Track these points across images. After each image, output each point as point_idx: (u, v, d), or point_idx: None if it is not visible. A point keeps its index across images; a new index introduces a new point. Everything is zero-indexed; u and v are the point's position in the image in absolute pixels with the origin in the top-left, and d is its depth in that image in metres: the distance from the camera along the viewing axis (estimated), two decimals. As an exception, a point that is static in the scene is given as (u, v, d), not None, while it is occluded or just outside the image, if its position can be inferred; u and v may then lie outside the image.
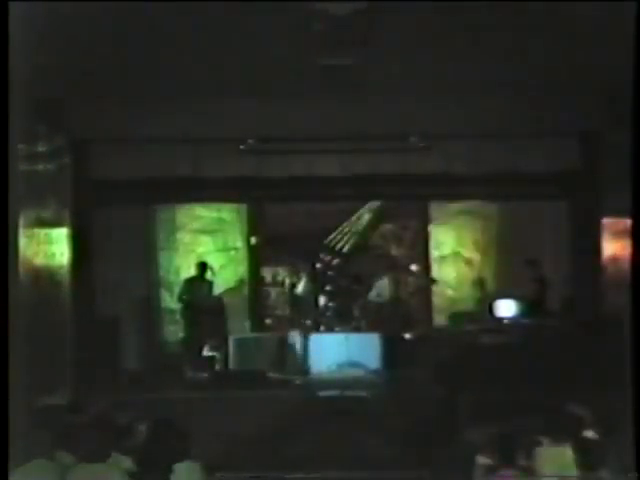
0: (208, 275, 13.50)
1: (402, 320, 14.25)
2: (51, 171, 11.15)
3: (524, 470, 5.99)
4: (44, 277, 10.97)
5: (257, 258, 15.26)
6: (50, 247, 11.11)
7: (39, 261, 10.93)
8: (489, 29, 8.46)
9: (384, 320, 13.93)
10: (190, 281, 13.50)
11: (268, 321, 14.69)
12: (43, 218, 10.98)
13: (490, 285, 14.21)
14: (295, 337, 13.73)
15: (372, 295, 14.34)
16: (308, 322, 14.61)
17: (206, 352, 13.05)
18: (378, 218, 15.83)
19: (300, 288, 14.69)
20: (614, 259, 11.25)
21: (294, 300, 14.76)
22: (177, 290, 13.88)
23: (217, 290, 13.91)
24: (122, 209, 13.46)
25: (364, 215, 15.79)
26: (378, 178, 12.61)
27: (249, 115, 11.39)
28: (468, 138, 12.12)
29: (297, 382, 12.28)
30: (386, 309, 14.27)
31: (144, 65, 9.57)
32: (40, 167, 10.94)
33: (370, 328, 13.81)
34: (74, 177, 11.57)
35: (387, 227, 15.86)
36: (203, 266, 13.52)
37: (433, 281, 15.01)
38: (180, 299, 13.46)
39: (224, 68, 9.76)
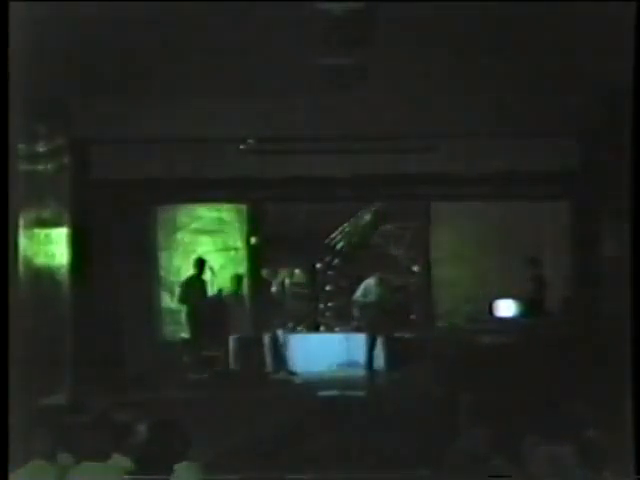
0: (206, 273, 13.52)
1: (398, 320, 14.27)
2: (51, 171, 11.14)
3: (524, 470, 5.99)
4: (44, 277, 10.97)
5: (257, 258, 15.26)
6: (50, 247, 11.11)
7: (39, 261, 10.94)
8: (489, 29, 8.45)
9: (379, 320, 13.94)
10: (189, 281, 13.51)
11: (269, 321, 14.67)
12: (43, 218, 10.98)
13: (490, 285, 14.20)
14: (295, 337, 13.74)
15: (358, 295, 14.31)
16: (308, 322, 14.65)
17: (206, 352, 13.06)
18: (378, 218, 15.84)
19: (300, 288, 14.74)
20: (614, 259, 11.24)
21: (294, 300, 14.79)
22: (177, 290, 13.90)
23: (217, 290, 13.92)
24: (122, 209, 13.47)
25: (364, 215, 15.80)
26: (378, 178, 12.62)
27: (249, 115, 11.39)
28: (468, 138, 12.13)
29: (297, 382, 12.29)
30: (381, 309, 14.28)
31: (144, 65, 9.57)
32: (40, 167, 10.94)
33: (368, 328, 13.84)
34: (74, 177, 11.57)
35: (387, 227, 15.87)
36: (201, 263, 13.52)
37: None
38: (181, 300, 13.46)
39: (224, 68, 9.76)
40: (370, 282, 14.15)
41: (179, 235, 15.08)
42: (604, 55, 8.16)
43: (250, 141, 12.08)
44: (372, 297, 13.75)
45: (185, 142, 11.97)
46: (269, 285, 14.98)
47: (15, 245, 9.24)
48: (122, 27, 8.14)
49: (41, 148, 10.96)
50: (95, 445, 5.81)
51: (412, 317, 15.18)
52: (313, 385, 11.68)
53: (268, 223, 15.48)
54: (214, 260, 14.30)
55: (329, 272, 15.35)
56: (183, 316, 13.94)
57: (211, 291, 13.64)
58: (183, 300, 13.43)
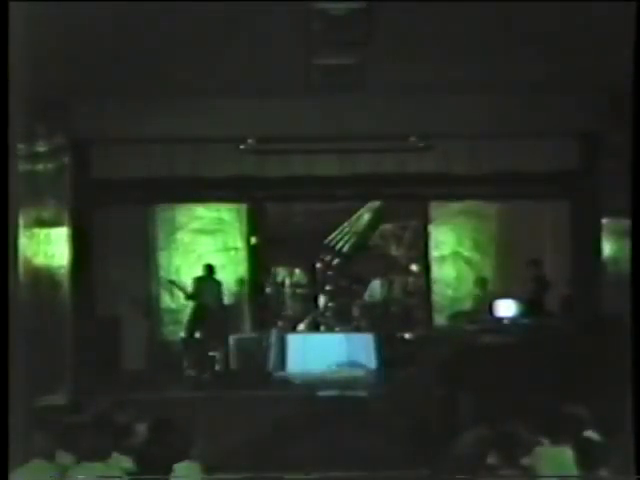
0: (215, 276, 13.59)
1: (397, 320, 14.30)
2: (51, 171, 11.14)
3: (524, 470, 5.99)
4: (44, 277, 10.98)
5: (257, 258, 15.27)
6: (50, 247, 11.11)
7: (39, 261, 10.94)
8: (489, 29, 8.46)
9: (379, 320, 14.00)
10: (199, 281, 13.56)
11: (269, 321, 14.68)
12: (43, 218, 10.99)
13: (490, 285, 14.22)
14: (295, 337, 13.74)
15: (365, 295, 14.45)
16: (308, 322, 14.64)
17: (207, 352, 13.07)
18: (378, 218, 15.84)
19: (300, 288, 14.75)
20: (614, 259, 11.24)
21: (294, 300, 14.79)
22: (178, 290, 13.92)
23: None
24: (122, 209, 13.47)
25: (364, 215, 15.80)
26: (378, 178, 12.61)
27: (249, 115, 11.39)
28: (468, 138, 12.12)
29: (297, 382, 12.28)
30: (380, 309, 14.35)
31: (144, 65, 9.57)
32: (40, 167, 10.94)
33: (368, 328, 13.88)
34: (74, 177, 11.56)
35: (387, 227, 15.87)
36: (209, 268, 13.60)
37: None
38: (192, 297, 13.49)
39: (224, 68, 9.76)
40: (376, 282, 14.24)
41: (179, 235, 15.07)
42: (604, 55, 8.17)
43: (250, 141, 12.06)
44: (377, 297, 13.79)
45: (185, 142, 11.96)
46: (269, 285, 15.00)
47: (15, 245, 9.24)
48: (122, 27, 8.15)
49: (41, 148, 10.96)
50: (95, 445, 5.82)
51: (412, 317, 15.17)
52: (313, 385, 11.65)
53: (268, 223, 15.48)
54: (214, 260, 14.30)
55: (329, 272, 15.34)
56: (184, 316, 13.95)
57: (220, 292, 13.68)
58: (194, 298, 13.46)
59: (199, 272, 13.78)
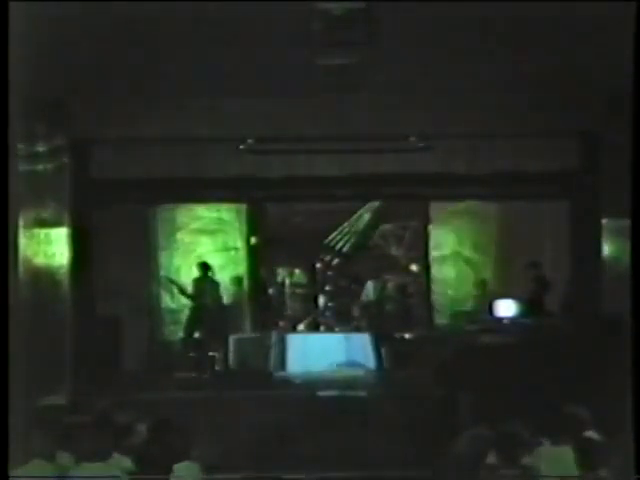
0: (212, 275, 13.60)
1: (397, 320, 14.32)
2: (51, 171, 11.14)
3: (524, 470, 5.99)
4: (44, 277, 10.97)
5: (257, 258, 15.27)
6: (50, 247, 11.11)
7: (39, 261, 10.94)
8: (489, 29, 8.45)
9: (376, 320, 14.03)
10: (199, 281, 13.57)
11: (269, 321, 14.68)
12: (43, 218, 10.98)
13: (490, 285, 14.22)
14: (295, 337, 13.74)
15: (363, 296, 14.52)
16: (308, 322, 14.65)
17: (207, 352, 13.08)
18: (378, 218, 15.85)
19: (300, 288, 14.76)
20: (614, 259, 11.24)
21: (294, 300, 14.80)
22: (178, 290, 13.94)
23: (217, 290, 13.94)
24: (122, 209, 13.47)
25: (364, 215, 15.81)
26: (378, 178, 12.60)
27: (249, 115, 11.39)
28: (468, 138, 12.12)
29: (297, 382, 12.28)
30: (375, 309, 14.38)
31: (144, 65, 9.57)
32: (40, 167, 10.94)
33: (367, 328, 13.91)
34: (74, 177, 11.57)
35: (387, 227, 15.88)
36: (205, 267, 13.60)
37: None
38: (191, 297, 13.50)
39: (224, 68, 9.76)
40: (371, 283, 14.28)
41: (179, 235, 15.09)
42: (604, 55, 8.17)
43: (250, 141, 12.06)
44: (372, 297, 13.84)
45: (185, 142, 11.96)
46: (269, 285, 15.00)
47: (15, 245, 9.24)
48: (122, 27, 8.15)
49: (41, 148, 10.95)
50: (95, 445, 5.81)
51: (412, 317, 15.18)
52: (313, 385, 11.66)
53: (268, 223, 15.48)
54: (214, 260, 14.31)
55: (329, 272, 15.36)
56: (184, 316, 13.96)
57: (218, 291, 13.70)
58: (194, 298, 13.47)
59: (197, 272, 13.80)
